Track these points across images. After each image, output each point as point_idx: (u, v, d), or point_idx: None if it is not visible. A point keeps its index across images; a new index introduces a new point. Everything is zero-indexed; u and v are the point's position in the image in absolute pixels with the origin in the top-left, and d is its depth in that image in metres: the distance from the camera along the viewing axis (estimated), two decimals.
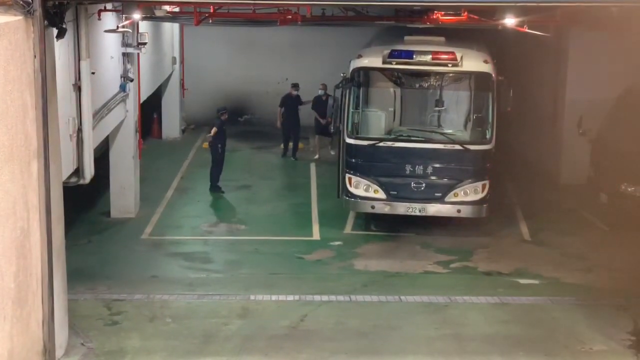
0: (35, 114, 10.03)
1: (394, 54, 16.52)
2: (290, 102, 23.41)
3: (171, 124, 25.59)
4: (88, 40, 13.22)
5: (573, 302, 13.69)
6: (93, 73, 13.71)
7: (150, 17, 17.01)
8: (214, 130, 20.05)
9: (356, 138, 16.79)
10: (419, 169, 16.50)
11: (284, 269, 15.41)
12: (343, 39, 23.51)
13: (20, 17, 9.66)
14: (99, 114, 14.89)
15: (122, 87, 16.95)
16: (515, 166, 21.35)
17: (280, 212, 18.82)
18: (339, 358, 11.67)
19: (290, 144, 23.46)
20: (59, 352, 11.20)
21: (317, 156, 22.98)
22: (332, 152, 22.40)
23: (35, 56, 9.97)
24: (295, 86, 23.55)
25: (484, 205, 16.65)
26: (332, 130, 18.45)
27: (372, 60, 16.73)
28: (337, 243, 16.76)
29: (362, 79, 16.81)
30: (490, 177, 16.72)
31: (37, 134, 10.10)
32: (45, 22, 10.32)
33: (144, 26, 18.41)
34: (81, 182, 13.46)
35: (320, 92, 23.07)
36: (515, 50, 22.37)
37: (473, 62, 16.58)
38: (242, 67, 27.07)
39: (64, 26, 10.95)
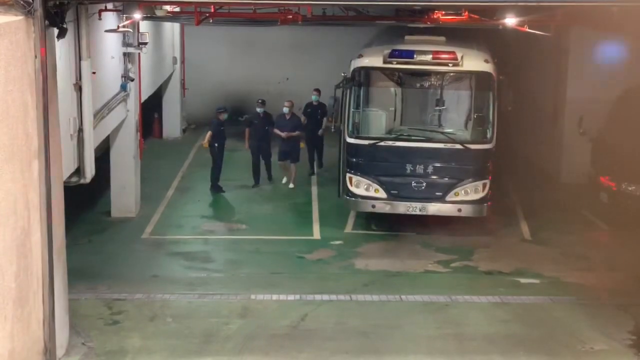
0: (36, 114, 10.04)
1: (394, 54, 16.52)
2: (258, 122, 20.73)
3: (172, 124, 25.62)
4: (89, 40, 13.23)
5: (574, 302, 13.70)
6: (94, 73, 13.73)
7: (150, 16, 17.01)
8: (208, 135, 19.95)
9: (357, 137, 16.79)
10: (420, 169, 16.50)
11: (284, 269, 15.41)
12: (344, 39, 23.53)
13: (21, 17, 9.66)
14: (100, 114, 14.90)
15: (123, 87, 16.97)
16: (515, 165, 21.35)
17: (280, 211, 18.82)
18: (340, 357, 11.68)
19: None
20: (60, 351, 11.21)
21: (292, 185, 20.38)
22: (291, 186, 20.29)
23: (36, 56, 9.97)
24: (261, 103, 20.84)
25: (485, 204, 16.65)
26: (332, 130, 18.37)
27: (373, 59, 16.73)
28: (337, 242, 16.77)
29: (362, 78, 16.81)
30: (491, 176, 16.72)
31: (38, 133, 10.11)
32: (46, 22, 10.32)
33: (145, 26, 18.42)
34: (82, 181, 13.48)
35: (285, 109, 20.50)
36: (516, 49, 22.38)
37: (473, 61, 16.58)
38: (243, 67, 27.09)
39: (65, 26, 10.95)
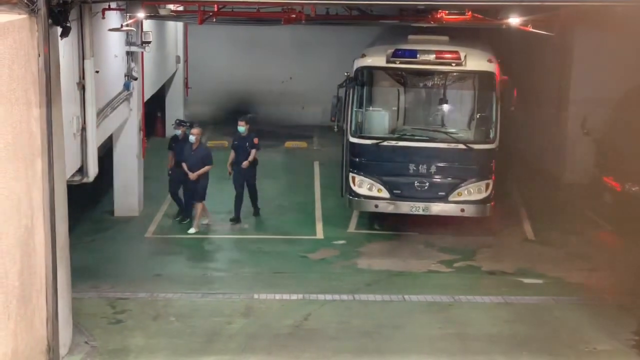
0: (39, 113, 10.04)
1: (397, 53, 16.51)
2: (178, 146, 17.58)
3: None
4: (92, 39, 13.22)
5: (577, 302, 13.69)
6: (97, 72, 13.73)
7: (154, 16, 17.05)
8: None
9: (360, 137, 16.79)
10: (423, 168, 16.50)
11: (287, 268, 15.41)
12: (347, 38, 23.55)
13: (24, 16, 9.66)
14: (103, 113, 14.90)
15: (126, 86, 16.97)
16: (519, 165, 21.33)
17: (284, 210, 18.82)
18: (342, 357, 11.67)
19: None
20: (63, 350, 11.21)
21: (193, 230, 17.07)
22: (192, 231, 17.04)
23: (39, 55, 9.97)
24: (178, 124, 17.86)
25: (488, 204, 16.64)
26: (335, 130, 18.34)
27: (376, 59, 16.72)
28: (340, 242, 16.77)
29: (365, 78, 16.80)
30: (494, 176, 16.71)
31: (41, 132, 10.10)
32: (50, 20, 10.32)
33: (148, 25, 18.43)
34: (85, 180, 13.47)
35: (191, 138, 17.13)
36: (520, 49, 22.36)
37: (477, 61, 16.57)
38: (246, 66, 27.11)
39: (68, 25, 10.96)
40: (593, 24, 17.52)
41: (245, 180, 17.89)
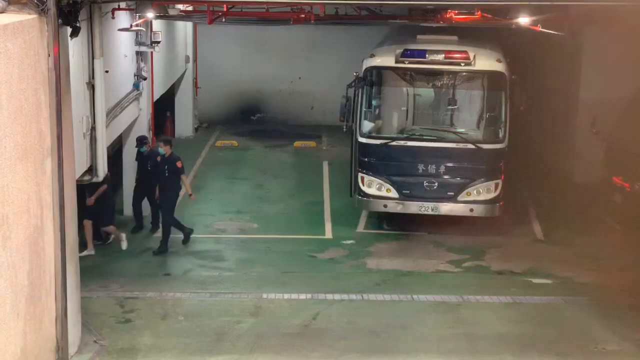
0: (49, 112, 10.08)
1: (406, 53, 16.51)
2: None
3: (184, 123, 25.64)
4: (102, 39, 13.28)
5: (586, 302, 13.66)
6: (107, 71, 13.78)
7: (163, 16, 17.08)
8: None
9: (369, 137, 16.79)
10: (432, 168, 16.49)
11: (296, 268, 15.42)
12: (356, 38, 23.55)
13: (34, 16, 9.70)
14: (113, 112, 14.94)
15: (136, 86, 17.01)
16: (528, 165, 21.29)
17: (292, 210, 18.83)
18: (351, 357, 11.68)
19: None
20: (72, 349, 11.24)
21: (86, 253, 15.37)
22: (88, 253, 15.46)
23: (49, 55, 10.01)
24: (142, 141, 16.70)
25: (497, 204, 16.62)
26: (344, 130, 18.28)
27: (385, 59, 16.72)
28: (349, 242, 16.77)
29: (374, 78, 16.80)
30: (503, 176, 16.68)
31: (51, 132, 10.14)
32: (60, 20, 10.36)
33: (158, 25, 18.46)
34: (94, 180, 13.53)
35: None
36: (529, 49, 22.31)
37: (486, 61, 16.55)
38: (255, 66, 27.13)
39: (78, 25, 11.00)
40: (602, 24, 17.46)
41: (159, 204, 16.46)
